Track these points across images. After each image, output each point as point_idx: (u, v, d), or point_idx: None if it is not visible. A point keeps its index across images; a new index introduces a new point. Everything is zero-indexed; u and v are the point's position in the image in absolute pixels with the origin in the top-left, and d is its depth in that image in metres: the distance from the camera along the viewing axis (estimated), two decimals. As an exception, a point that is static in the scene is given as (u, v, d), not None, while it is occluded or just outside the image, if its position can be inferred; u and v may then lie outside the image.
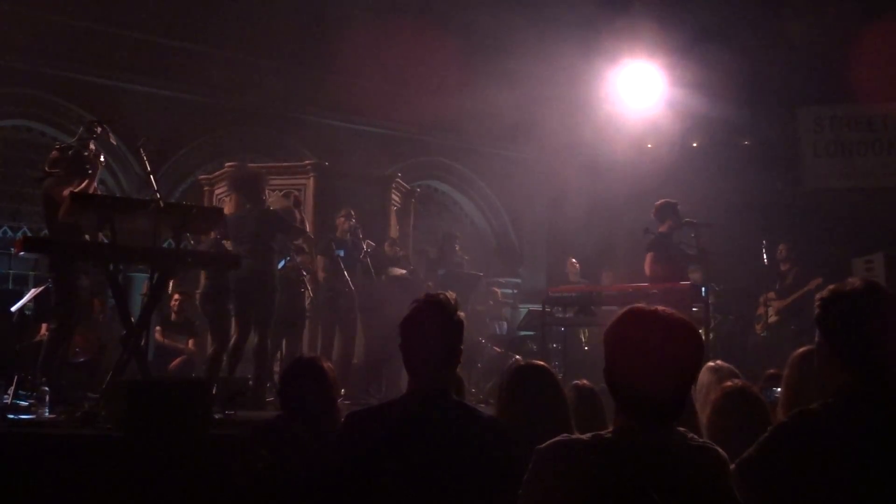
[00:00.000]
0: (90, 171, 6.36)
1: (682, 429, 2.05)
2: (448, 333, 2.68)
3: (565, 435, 2.15)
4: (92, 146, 6.44)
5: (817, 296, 2.47)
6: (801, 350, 3.35)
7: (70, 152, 6.38)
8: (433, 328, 2.65)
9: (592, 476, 1.95)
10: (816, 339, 2.46)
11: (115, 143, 6.67)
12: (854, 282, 2.40)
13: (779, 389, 3.78)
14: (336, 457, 2.63)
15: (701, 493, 1.94)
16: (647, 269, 8.08)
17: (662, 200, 8.31)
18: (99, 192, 6.75)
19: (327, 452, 2.72)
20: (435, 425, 2.56)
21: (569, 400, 3.34)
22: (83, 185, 6.27)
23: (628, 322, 2.06)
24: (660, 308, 2.07)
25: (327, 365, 3.56)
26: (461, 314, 2.76)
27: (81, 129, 6.33)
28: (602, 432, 2.05)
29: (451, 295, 2.79)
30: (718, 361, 4.17)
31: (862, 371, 2.31)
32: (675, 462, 1.96)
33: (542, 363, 3.36)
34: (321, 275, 8.76)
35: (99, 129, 6.34)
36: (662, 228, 8.16)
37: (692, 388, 2.36)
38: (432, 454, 2.49)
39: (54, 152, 6.54)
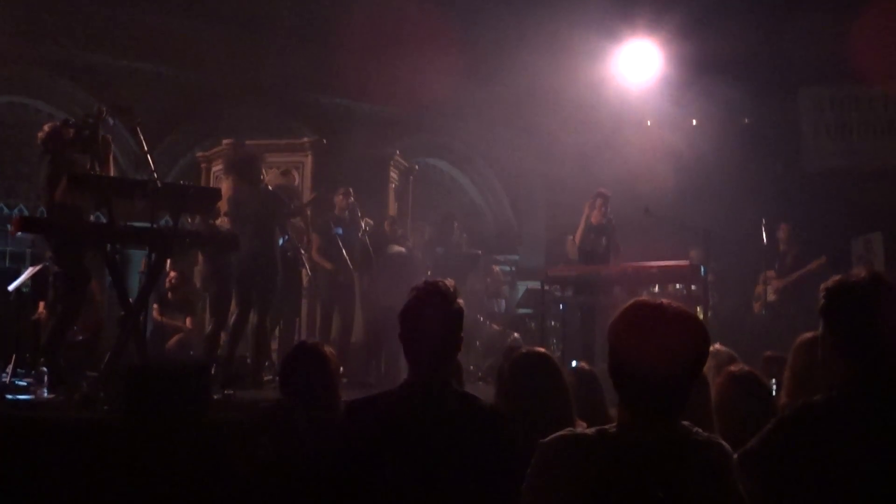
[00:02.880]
0: (105, 154, 6.24)
1: (686, 423, 2.04)
2: (448, 323, 2.64)
3: (569, 429, 2.14)
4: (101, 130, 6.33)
5: (822, 286, 2.44)
6: (806, 336, 3.33)
7: (85, 132, 6.23)
8: (433, 318, 2.61)
9: (596, 471, 1.94)
10: (820, 330, 2.45)
11: (111, 122, 6.53)
12: (859, 274, 2.38)
13: (774, 381, 3.79)
14: (336, 447, 2.61)
15: (706, 489, 1.93)
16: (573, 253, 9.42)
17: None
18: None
19: (328, 442, 2.70)
20: (436, 416, 2.54)
21: (569, 383, 3.32)
22: (100, 168, 6.17)
23: (632, 316, 2.05)
24: (664, 301, 2.06)
25: (329, 351, 3.52)
26: (461, 301, 2.72)
27: (104, 111, 6.20)
28: (606, 427, 2.04)
29: (450, 282, 2.74)
30: (717, 346, 4.14)
31: (866, 364, 2.30)
32: (679, 457, 1.95)
33: (542, 350, 3.34)
34: (316, 254, 8.72)
35: (111, 117, 6.24)
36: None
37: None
38: (433, 445, 2.48)
39: (63, 128, 6.35)
